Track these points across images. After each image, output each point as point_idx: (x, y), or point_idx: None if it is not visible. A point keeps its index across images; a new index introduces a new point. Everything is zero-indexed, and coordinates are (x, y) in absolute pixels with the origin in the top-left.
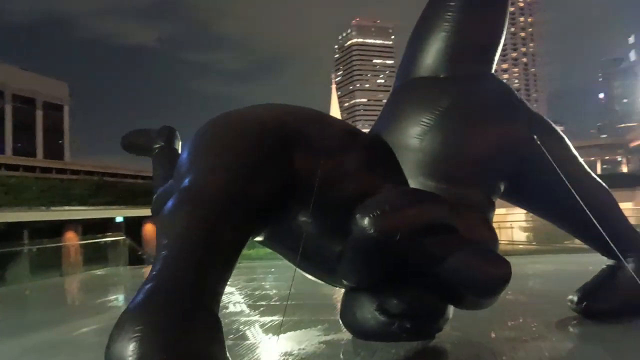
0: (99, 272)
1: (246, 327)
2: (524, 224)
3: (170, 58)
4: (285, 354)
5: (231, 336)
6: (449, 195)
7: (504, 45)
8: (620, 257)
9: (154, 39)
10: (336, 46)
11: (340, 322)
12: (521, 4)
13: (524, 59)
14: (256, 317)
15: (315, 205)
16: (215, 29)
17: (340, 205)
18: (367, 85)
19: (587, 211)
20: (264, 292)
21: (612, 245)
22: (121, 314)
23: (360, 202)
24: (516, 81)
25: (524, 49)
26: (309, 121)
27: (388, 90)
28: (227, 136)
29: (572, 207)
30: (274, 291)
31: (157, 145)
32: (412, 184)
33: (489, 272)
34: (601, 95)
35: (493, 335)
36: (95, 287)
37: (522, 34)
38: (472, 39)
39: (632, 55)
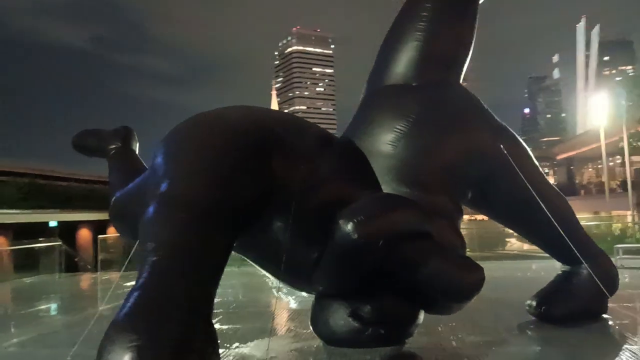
0: (29, 280)
1: None
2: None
3: (99, 59)
4: None
5: None
6: (421, 202)
7: None
8: (583, 261)
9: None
10: (276, 53)
11: (311, 328)
12: None
13: None
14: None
15: (292, 211)
16: (149, 31)
17: (318, 211)
18: (307, 93)
19: (552, 218)
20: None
21: (575, 250)
22: (112, 324)
23: (339, 207)
24: None
25: None
26: (285, 125)
27: (327, 99)
28: (205, 139)
29: (532, 214)
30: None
31: (113, 146)
32: (385, 189)
33: (464, 277)
34: (526, 111)
35: (461, 340)
36: (26, 295)
37: None
38: (442, 49)
39: (556, 73)
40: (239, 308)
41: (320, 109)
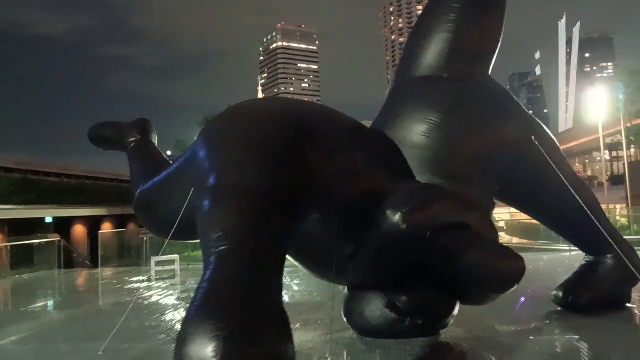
0: (28, 276)
1: None
2: None
3: (83, 51)
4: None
5: None
6: (457, 193)
7: None
8: (617, 248)
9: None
10: (261, 49)
11: (345, 320)
12: None
13: None
14: None
15: (330, 202)
16: (133, 23)
17: (354, 202)
18: (292, 89)
19: (586, 209)
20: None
21: (610, 240)
22: (190, 315)
23: (376, 198)
24: None
25: None
26: (320, 116)
27: (312, 95)
28: (248, 130)
29: (561, 204)
30: None
31: (132, 139)
32: (419, 180)
33: (504, 267)
34: None
35: (495, 330)
36: (27, 291)
37: None
38: (472, 42)
39: (538, 70)
40: None
41: None
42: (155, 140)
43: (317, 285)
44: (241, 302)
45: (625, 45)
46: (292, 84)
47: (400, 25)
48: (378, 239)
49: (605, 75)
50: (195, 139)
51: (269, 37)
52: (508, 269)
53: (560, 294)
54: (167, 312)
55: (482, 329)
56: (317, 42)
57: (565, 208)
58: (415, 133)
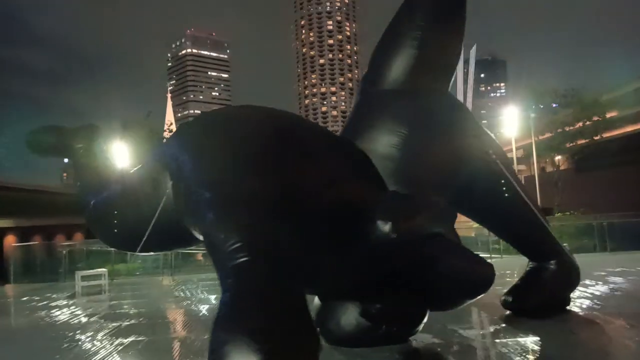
0: None
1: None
2: None
3: None
4: None
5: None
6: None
7: (333, 69)
8: (570, 256)
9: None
10: (169, 54)
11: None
12: (348, 34)
13: (350, 84)
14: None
15: (311, 210)
16: (26, 23)
17: (337, 211)
18: (202, 97)
19: (539, 216)
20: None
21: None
22: (220, 330)
23: (359, 207)
24: (343, 104)
25: (350, 75)
26: (298, 124)
27: (222, 104)
28: (236, 139)
29: (513, 215)
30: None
31: (80, 145)
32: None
33: (479, 272)
34: None
35: (460, 335)
36: None
37: (349, 61)
38: (436, 58)
39: None
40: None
41: None
42: (107, 147)
43: None
44: (272, 314)
45: (517, 67)
46: (201, 91)
47: (311, 39)
48: (365, 248)
49: (498, 94)
50: (169, 146)
51: (178, 43)
52: (484, 274)
53: (510, 298)
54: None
55: (448, 333)
56: (228, 51)
57: (517, 218)
58: (386, 145)
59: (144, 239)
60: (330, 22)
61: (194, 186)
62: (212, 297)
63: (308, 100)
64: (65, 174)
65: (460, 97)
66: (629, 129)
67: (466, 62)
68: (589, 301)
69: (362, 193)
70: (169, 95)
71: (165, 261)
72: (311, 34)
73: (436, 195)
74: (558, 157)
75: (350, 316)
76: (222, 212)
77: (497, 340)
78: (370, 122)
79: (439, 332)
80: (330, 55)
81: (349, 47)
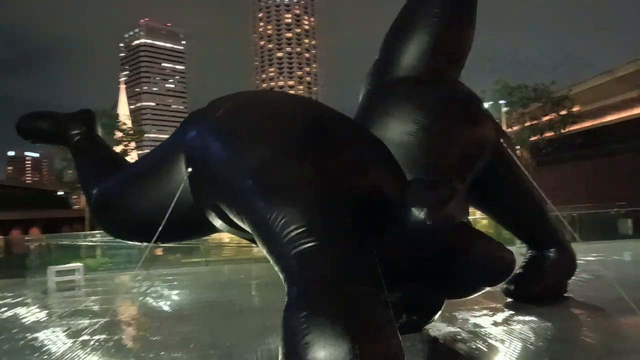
0: None
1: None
2: None
3: None
4: None
5: None
6: None
7: (291, 63)
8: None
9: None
10: (122, 44)
11: None
12: (306, 27)
13: (308, 78)
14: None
15: (350, 198)
16: None
17: (368, 197)
18: (156, 89)
19: (550, 204)
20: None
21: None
22: (297, 319)
23: (388, 194)
24: None
25: (308, 69)
26: (322, 109)
27: (178, 96)
28: (272, 124)
29: (522, 204)
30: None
31: (75, 132)
32: (408, 178)
33: (504, 258)
34: None
35: (471, 323)
36: None
37: (307, 55)
38: (450, 47)
39: None
40: (236, 306)
41: (170, 106)
42: (100, 133)
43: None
44: (351, 300)
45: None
46: (155, 83)
47: (269, 32)
48: (398, 234)
49: None
50: (187, 131)
51: (132, 33)
52: (508, 260)
53: (512, 286)
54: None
55: (461, 322)
56: (184, 42)
57: (524, 207)
58: (403, 132)
59: (160, 228)
60: (289, 15)
61: (235, 173)
62: (186, 292)
63: None
64: (10, 168)
65: None
66: (588, 124)
67: None
68: (582, 288)
69: (391, 180)
70: (122, 86)
71: (139, 256)
72: (269, 27)
73: (457, 183)
74: (524, 151)
75: None
76: (278, 198)
77: (512, 327)
78: (385, 109)
79: (451, 320)
80: (289, 49)
81: (307, 40)
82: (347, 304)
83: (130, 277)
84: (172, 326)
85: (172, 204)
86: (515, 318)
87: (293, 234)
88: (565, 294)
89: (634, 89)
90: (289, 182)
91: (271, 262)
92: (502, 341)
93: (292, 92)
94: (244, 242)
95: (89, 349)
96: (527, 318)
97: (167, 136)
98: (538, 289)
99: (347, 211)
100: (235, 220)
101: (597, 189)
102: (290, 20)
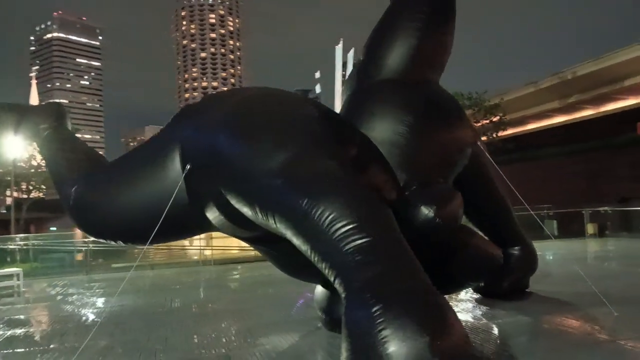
0: None
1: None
2: None
3: None
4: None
5: None
6: None
7: (215, 64)
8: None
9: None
10: (32, 37)
11: (324, 317)
12: (231, 28)
13: (232, 80)
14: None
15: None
16: None
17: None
18: (69, 86)
19: (509, 204)
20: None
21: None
22: (367, 314)
23: (393, 192)
24: None
25: (232, 71)
26: (323, 108)
27: (93, 93)
28: (287, 120)
29: (493, 204)
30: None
31: (45, 126)
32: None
33: (495, 255)
34: None
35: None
36: None
37: (232, 57)
38: (433, 52)
39: (318, 88)
40: (213, 307)
41: (85, 104)
42: (70, 127)
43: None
44: (420, 295)
45: None
46: (69, 79)
47: (193, 31)
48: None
49: None
50: (185, 128)
51: (43, 26)
52: (498, 256)
53: (482, 283)
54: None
55: None
56: (100, 37)
57: (494, 206)
58: (392, 133)
59: (157, 226)
60: (213, 16)
61: (263, 172)
62: (126, 297)
63: (188, 94)
64: None
65: (337, 98)
66: (518, 130)
67: (344, 64)
68: (541, 283)
69: (393, 178)
70: (34, 81)
71: (83, 259)
72: (192, 26)
73: (443, 183)
74: None
75: None
76: (319, 194)
77: (500, 320)
78: (371, 109)
79: None
80: (213, 49)
81: (232, 42)
82: (417, 299)
83: (70, 282)
84: (151, 330)
85: (171, 201)
86: (490, 313)
87: (343, 230)
88: (527, 289)
89: (556, 99)
90: (328, 177)
91: (314, 258)
92: (504, 333)
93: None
94: (188, 244)
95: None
96: (501, 312)
97: (80, 135)
98: (506, 285)
99: (385, 205)
100: (257, 219)
101: (526, 191)
102: (214, 21)
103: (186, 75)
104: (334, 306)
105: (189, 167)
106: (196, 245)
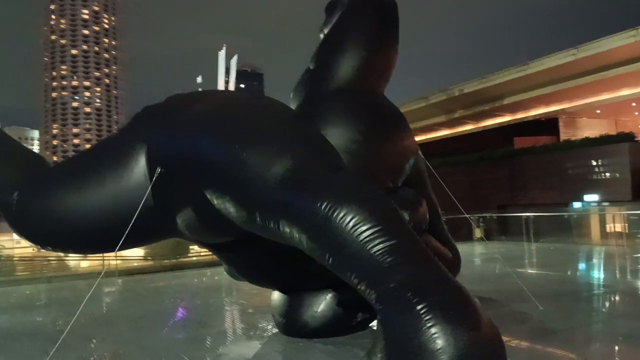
0: None
1: None
2: None
3: None
4: None
5: None
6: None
7: (87, 62)
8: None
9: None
10: None
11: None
12: (106, 26)
13: (107, 80)
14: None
15: None
16: None
17: None
18: None
19: (459, 205)
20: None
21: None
22: (422, 307)
23: None
24: (98, 100)
25: (107, 70)
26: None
27: None
28: (282, 126)
29: (430, 207)
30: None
31: None
32: None
33: (459, 257)
34: None
35: None
36: None
37: (106, 55)
38: (381, 64)
39: None
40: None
41: None
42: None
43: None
44: (456, 293)
45: (274, 81)
46: None
47: (63, 27)
48: None
49: None
50: (164, 131)
51: None
52: (459, 258)
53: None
54: None
55: None
56: None
57: (432, 211)
58: (346, 140)
59: (125, 233)
60: (86, 11)
61: (266, 182)
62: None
63: (56, 93)
64: None
65: None
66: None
67: (227, 70)
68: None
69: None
70: None
71: None
72: (63, 21)
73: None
74: None
75: (328, 307)
76: (338, 199)
77: None
78: (325, 117)
79: None
80: (85, 47)
81: (107, 40)
82: (455, 296)
83: None
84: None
85: (140, 207)
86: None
87: (368, 232)
88: None
89: (443, 114)
90: (342, 181)
91: (333, 262)
92: None
93: (87, 93)
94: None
95: None
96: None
97: None
98: None
99: (397, 207)
100: (252, 223)
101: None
102: (87, 17)
103: (54, 73)
104: (295, 310)
105: (159, 169)
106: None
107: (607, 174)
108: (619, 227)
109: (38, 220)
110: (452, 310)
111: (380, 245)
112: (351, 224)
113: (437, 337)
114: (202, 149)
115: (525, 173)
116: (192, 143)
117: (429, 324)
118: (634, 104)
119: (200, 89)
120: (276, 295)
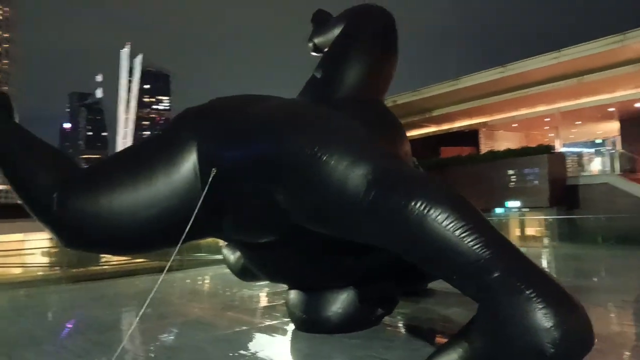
0: None
1: None
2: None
3: None
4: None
5: None
6: None
7: None
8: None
9: None
10: None
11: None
12: None
13: None
14: None
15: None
16: None
17: None
18: None
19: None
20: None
21: None
22: (520, 294)
23: None
24: None
25: None
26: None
27: None
28: (348, 127)
29: None
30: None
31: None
32: None
33: None
34: (67, 126)
35: (433, 306)
36: None
37: None
38: (383, 75)
39: (99, 93)
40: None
41: None
42: (18, 121)
43: None
44: (549, 276)
45: (180, 82)
46: None
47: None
48: None
49: (161, 107)
50: (238, 134)
51: None
52: None
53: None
54: None
55: (420, 307)
56: None
57: None
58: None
59: (185, 233)
60: None
61: (354, 182)
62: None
63: None
64: None
65: (122, 104)
66: None
67: (131, 70)
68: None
69: None
70: None
71: None
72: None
73: None
74: None
75: (349, 303)
76: (428, 196)
77: (455, 309)
78: (337, 126)
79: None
80: None
81: None
82: (554, 282)
83: None
84: None
85: (197, 208)
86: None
87: (461, 228)
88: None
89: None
90: (420, 179)
91: (425, 257)
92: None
93: None
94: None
95: None
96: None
97: None
98: (420, 286)
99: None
100: (326, 222)
101: None
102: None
103: None
104: (318, 307)
105: (214, 171)
106: None
107: (528, 183)
108: (536, 231)
109: (84, 220)
110: (556, 294)
111: (476, 240)
112: (446, 221)
113: (550, 317)
114: (281, 149)
115: (454, 181)
116: (265, 144)
117: (540, 306)
118: (547, 119)
119: (100, 88)
120: (294, 294)
